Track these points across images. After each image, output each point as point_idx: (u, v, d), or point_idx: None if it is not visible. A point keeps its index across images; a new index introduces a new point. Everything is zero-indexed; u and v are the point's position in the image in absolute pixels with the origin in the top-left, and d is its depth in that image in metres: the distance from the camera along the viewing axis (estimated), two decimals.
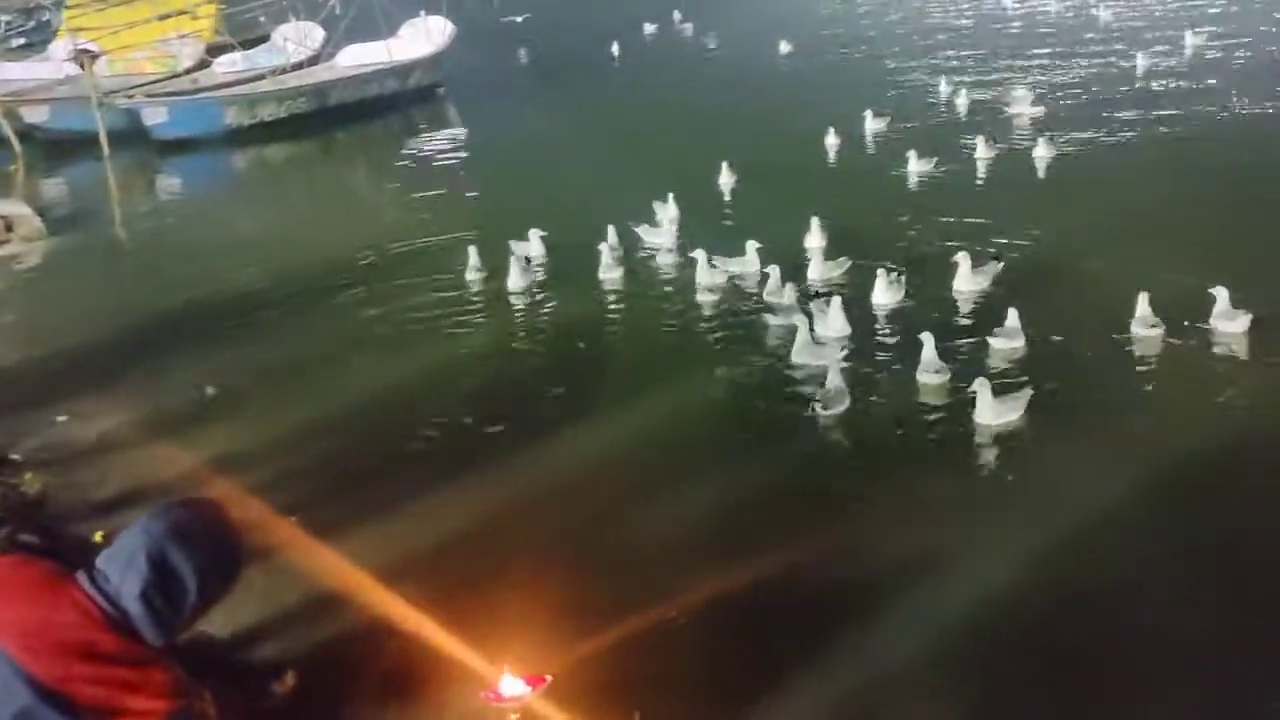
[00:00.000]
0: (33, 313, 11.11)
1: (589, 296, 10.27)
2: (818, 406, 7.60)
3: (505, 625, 5.28)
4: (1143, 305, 8.42)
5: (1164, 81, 17.74)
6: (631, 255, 11.03)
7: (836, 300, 8.91)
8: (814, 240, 10.66)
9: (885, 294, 9.28)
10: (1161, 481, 6.52)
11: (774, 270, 9.64)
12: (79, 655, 2.64)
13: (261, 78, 20.66)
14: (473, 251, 10.85)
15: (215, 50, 22.48)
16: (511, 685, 4.94)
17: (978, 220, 11.37)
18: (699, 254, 10.14)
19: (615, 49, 25.00)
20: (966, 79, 18.58)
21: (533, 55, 25.06)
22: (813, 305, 9.03)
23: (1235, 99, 15.98)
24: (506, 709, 4.93)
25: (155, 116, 18.87)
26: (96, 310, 10.79)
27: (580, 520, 6.46)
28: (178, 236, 14.27)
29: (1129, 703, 4.96)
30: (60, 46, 22.69)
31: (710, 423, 7.71)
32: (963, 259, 9.52)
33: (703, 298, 9.88)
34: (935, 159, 13.37)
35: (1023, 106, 15.90)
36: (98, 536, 5.87)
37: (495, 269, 10.68)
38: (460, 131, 19.99)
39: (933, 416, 7.57)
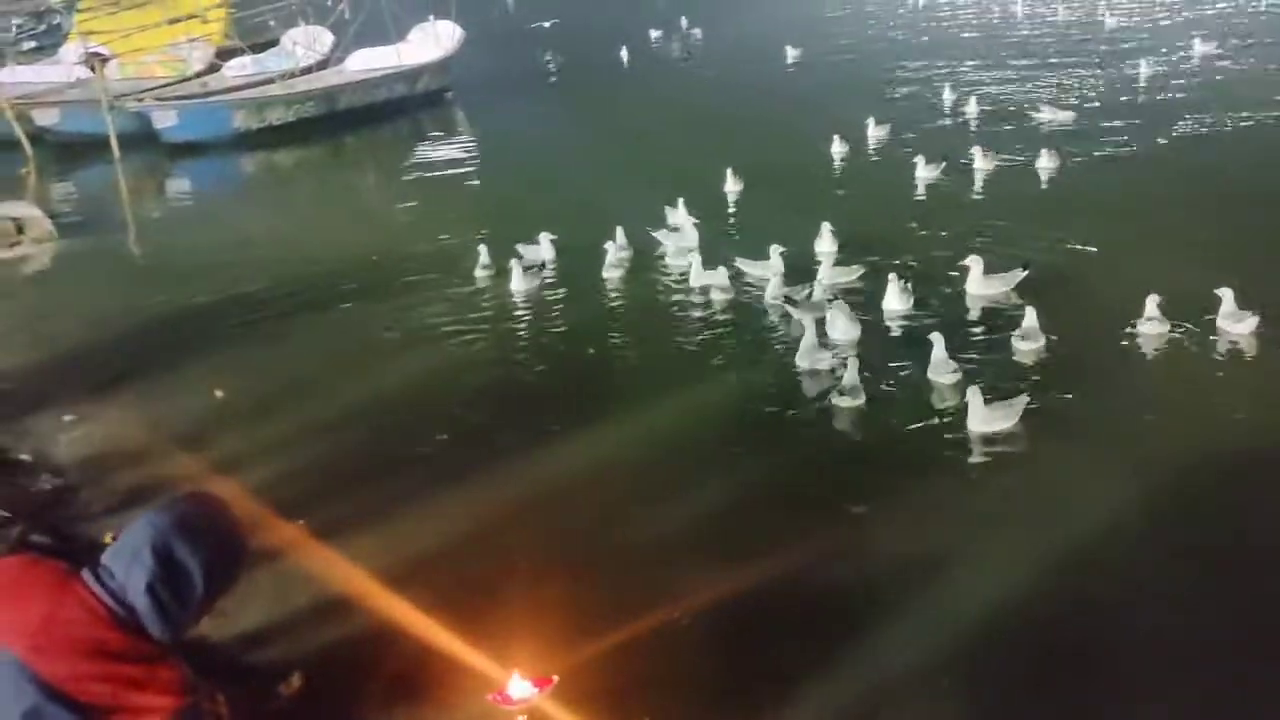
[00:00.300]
0: (43, 314, 11.14)
1: (597, 299, 10.32)
2: (835, 395, 7.72)
3: (512, 627, 5.29)
4: (1150, 307, 8.44)
5: (1169, 88, 17.73)
6: (640, 257, 11.06)
7: (840, 304, 8.91)
8: (825, 245, 10.68)
9: (897, 300, 9.26)
10: (1168, 484, 6.52)
11: (774, 275, 9.80)
12: (86, 653, 2.65)
13: (271, 82, 20.74)
14: (483, 250, 10.98)
15: (225, 54, 22.58)
16: (518, 687, 4.95)
17: (985, 227, 11.40)
18: (694, 257, 10.35)
19: (624, 55, 25.05)
20: (973, 86, 18.60)
21: (558, 62, 25.07)
22: (825, 308, 9.05)
23: (1238, 107, 15.98)
24: (513, 711, 4.93)
25: (165, 120, 18.96)
26: (106, 312, 10.83)
27: (586, 522, 6.48)
28: (187, 239, 14.31)
29: (1133, 705, 4.96)
30: (71, 50, 22.80)
31: (716, 425, 7.71)
32: (974, 262, 9.52)
33: (711, 300, 9.92)
34: (943, 164, 13.35)
35: (1052, 113, 15.84)
36: (107, 538, 5.89)
37: (504, 269, 10.75)
38: (468, 136, 20.05)
39: (942, 420, 7.54)
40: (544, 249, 11.15)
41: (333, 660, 5.31)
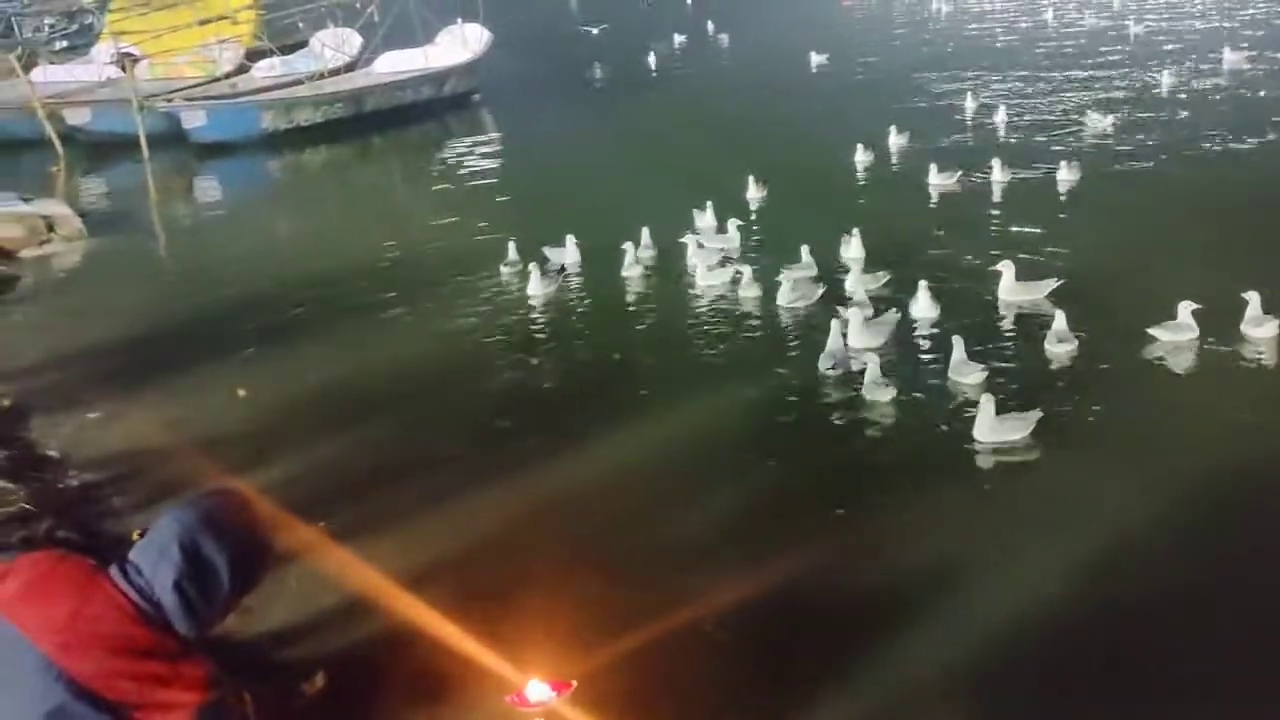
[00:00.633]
0: (70, 311, 11.27)
1: (619, 302, 10.36)
2: (864, 389, 7.82)
3: (531, 630, 5.30)
4: (1184, 314, 8.38)
5: (1196, 97, 17.57)
6: (664, 258, 11.09)
7: (855, 311, 8.90)
8: (853, 252, 10.67)
9: (927, 306, 9.21)
10: (1191, 490, 6.47)
11: (786, 278, 9.83)
12: (113, 650, 2.65)
13: (299, 83, 20.89)
14: (511, 247, 11.16)
15: (254, 55, 22.78)
16: (537, 690, 4.96)
17: (1006, 235, 11.35)
18: (694, 261, 10.52)
19: (652, 59, 25.08)
20: (998, 94, 18.54)
21: (601, 69, 25.14)
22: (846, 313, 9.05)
23: (1265, 115, 15.82)
24: (532, 713, 4.94)
25: (194, 120, 19.14)
26: (133, 310, 10.94)
27: (605, 525, 6.48)
28: (214, 238, 14.44)
29: (1155, 713, 4.94)
30: (102, 50, 23.04)
31: (735, 429, 7.70)
32: (1006, 267, 9.50)
33: (733, 303, 9.96)
34: (959, 173, 13.31)
35: (1099, 123, 15.70)
36: (135, 534, 5.93)
37: (526, 265, 10.84)
38: (495, 138, 20.13)
39: (968, 424, 7.45)
40: (569, 251, 11.20)
41: (355, 660, 5.35)
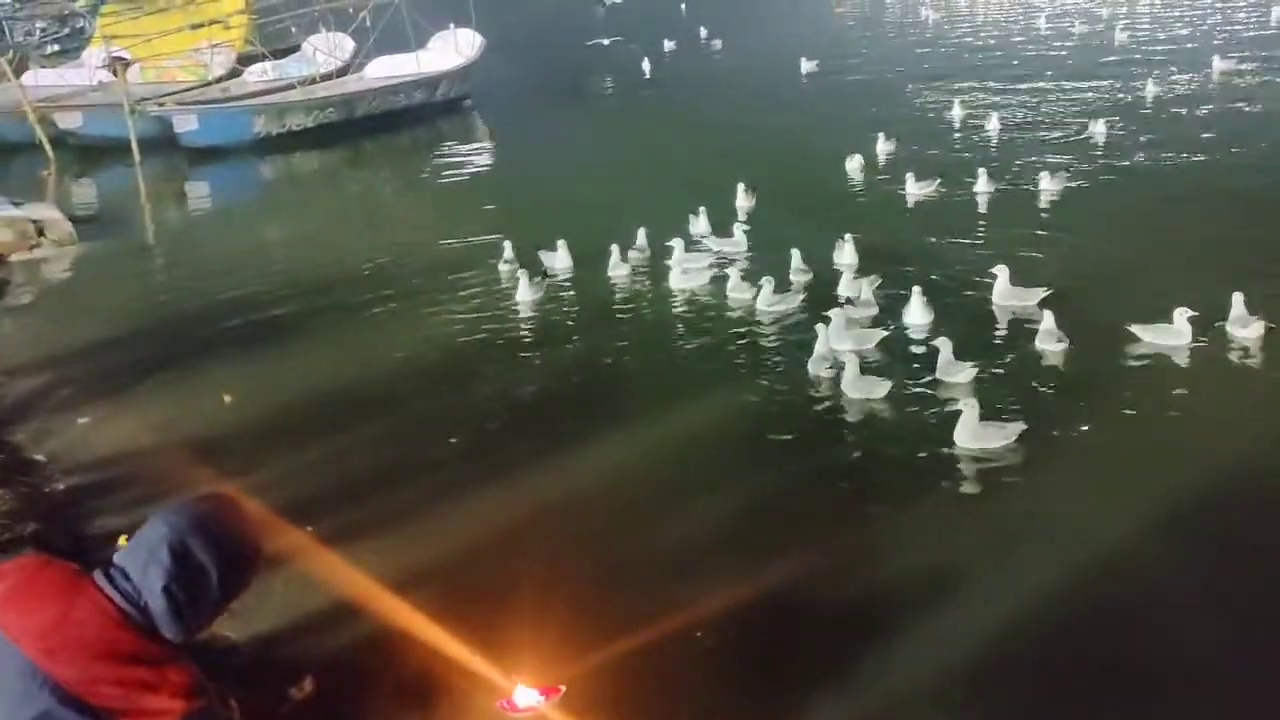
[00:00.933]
0: (60, 316, 11.24)
1: (610, 306, 10.36)
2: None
3: (520, 635, 5.29)
4: (1179, 319, 8.41)
5: (1185, 105, 17.61)
6: (657, 261, 11.09)
7: (838, 312, 8.96)
8: (845, 257, 10.70)
9: (920, 313, 9.22)
10: (1183, 493, 6.48)
11: (766, 282, 9.86)
12: (98, 656, 2.64)
13: (291, 87, 20.88)
14: (507, 246, 11.26)
15: (246, 60, 22.76)
16: (525, 695, 4.96)
17: (992, 244, 11.33)
18: (676, 255, 10.72)
19: (646, 66, 25.13)
20: (984, 102, 18.61)
21: (600, 76, 25.21)
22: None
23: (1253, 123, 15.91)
24: (520, 719, 4.93)
25: (186, 124, 19.11)
26: (123, 315, 10.91)
27: (595, 530, 6.48)
28: (205, 243, 14.41)
29: (1147, 715, 4.96)
30: (94, 54, 23.02)
31: (724, 434, 7.69)
32: (1000, 270, 9.54)
33: (722, 308, 9.97)
34: (936, 181, 13.33)
35: (1091, 130, 15.72)
36: (121, 540, 5.91)
37: (526, 264, 10.95)
38: (486, 143, 20.14)
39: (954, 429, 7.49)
40: (560, 255, 11.22)
41: (343, 665, 5.32)
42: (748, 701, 5.05)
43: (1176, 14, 29.22)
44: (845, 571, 6.02)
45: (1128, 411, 7.66)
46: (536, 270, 10.92)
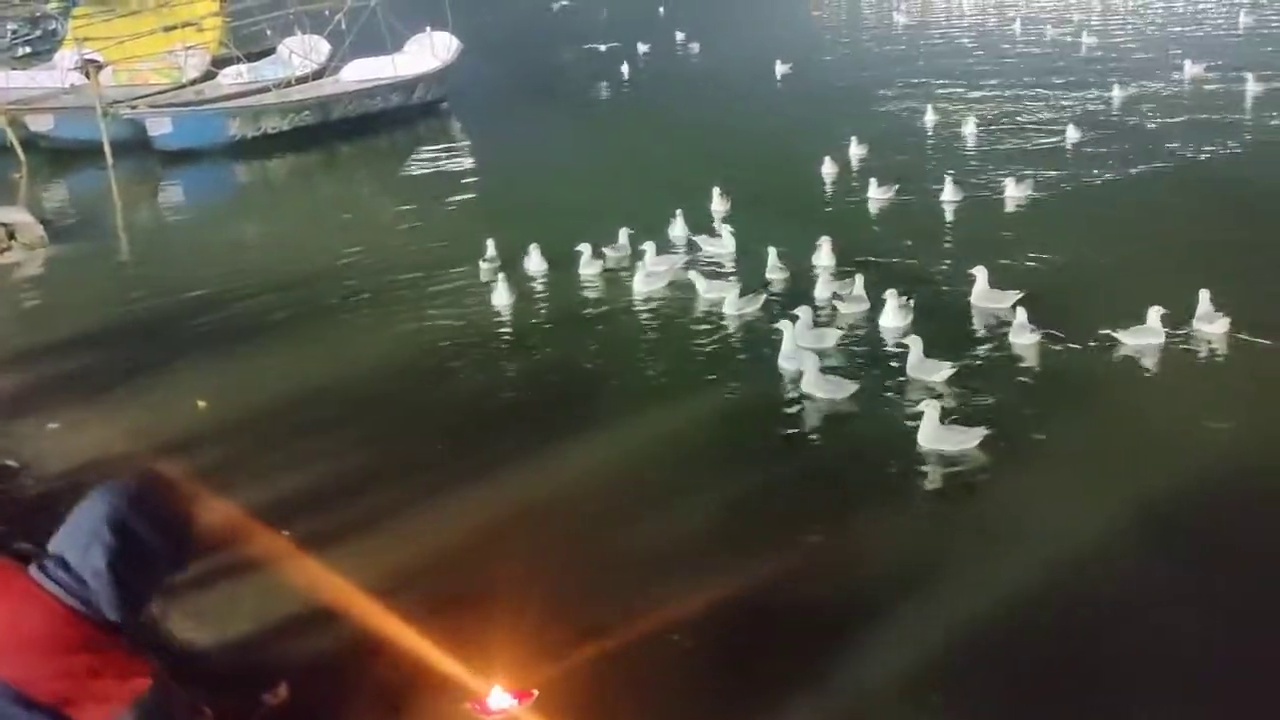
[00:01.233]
0: (32, 320, 11.15)
1: (584, 309, 10.36)
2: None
3: (495, 639, 5.28)
4: (1153, 318, 8.52)
5: (1147, 112, 17.68)
6: (637, 261, 11.07)
7: (805, 309, 9.07)
8: (823, 259, 10.75)
9: (895, 317, 9.24)
10: (1152, 492, 6.55)
11: (733, 285, 10.00)
12: (43, 652, 2.58)
13: (266, 90, 20.76)
14: (490, 245, 11.31)
15: (220, 62, 22.62)
16: (499, 698, 4.95)
17: (962, 248, 11.35)
18: (647, 258, 10.76)
19: (625, 68, 25.17)
20: (957, 105, 18.71)
21: (577, 79, 25.19)
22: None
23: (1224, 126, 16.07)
24: None
25: (159, 127, 18.98)
26: (95, 319, 10.84)
27: (570, 535, 6.48)
28: (178, 247, 14.33)
29: (1112, 714, 5.01)
30: (66, 56, 22.81)
31: (699, 437, 7.72)
32: (979, 272, 9.62)
33: (699, 311, 9.98)
34: (896, 186, 13.36)
35: (1064, 133, 15.77)
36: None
37: (507, 263, 11.00)
38: (463, 146, 20.11)
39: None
40: (533, 259, 11.20)
41: (318, 669, 5.30)
42: (723, 703, 5.07)
43: (1147, 19, 29.51)
44: (820, 571, 6.05)
45: (1100, 410, 7.76)
46: (515, 272, 10.90)
